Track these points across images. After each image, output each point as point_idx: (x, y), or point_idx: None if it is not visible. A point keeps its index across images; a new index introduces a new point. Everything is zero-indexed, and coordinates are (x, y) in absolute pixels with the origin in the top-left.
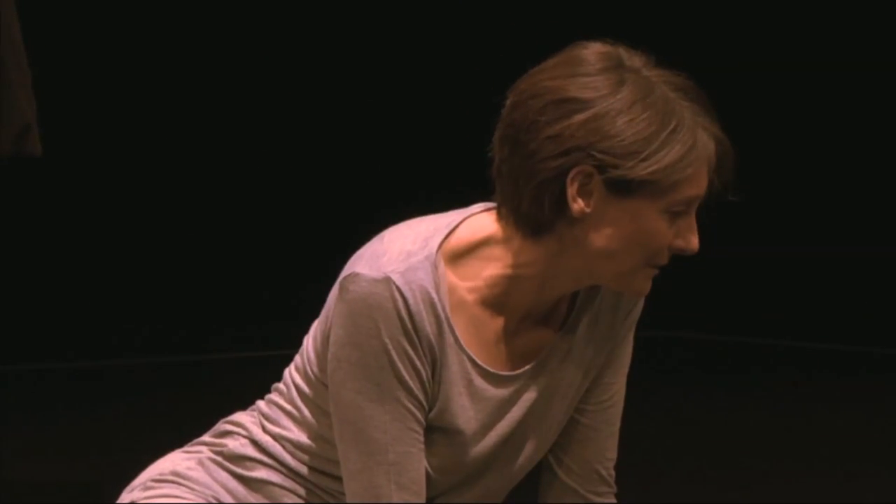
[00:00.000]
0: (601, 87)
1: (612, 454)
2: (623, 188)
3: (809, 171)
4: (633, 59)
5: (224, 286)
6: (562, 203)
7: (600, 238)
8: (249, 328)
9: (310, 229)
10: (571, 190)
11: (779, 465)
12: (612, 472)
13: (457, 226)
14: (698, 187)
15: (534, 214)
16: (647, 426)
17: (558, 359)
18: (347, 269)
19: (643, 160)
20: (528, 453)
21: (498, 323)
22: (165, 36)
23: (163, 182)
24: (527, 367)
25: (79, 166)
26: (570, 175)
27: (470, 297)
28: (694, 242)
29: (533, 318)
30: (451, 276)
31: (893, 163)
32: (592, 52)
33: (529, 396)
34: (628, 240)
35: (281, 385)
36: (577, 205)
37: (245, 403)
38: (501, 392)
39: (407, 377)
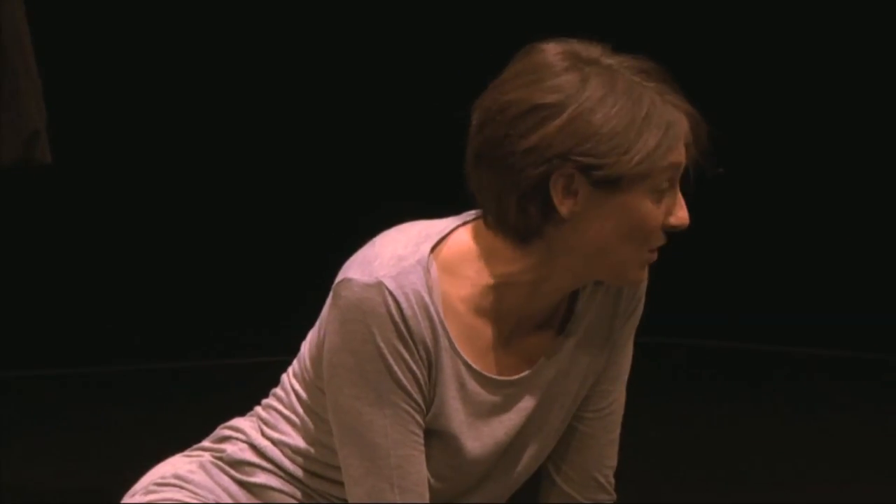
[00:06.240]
0: (566, 87)
1: (611, 462)
2: (610, 183)
3: (811, 180)
4: (590, 51)
5: (224, 292)
6: (549, 208)
7: (594, 234)
8: (249, 334)
9: (308, 235)
10: (556, 195)
11: (778, 471)
12: (612, 480)
13: (448, 233)
14: (678, 161)
15: (521, 224)
16: (645, 432)
17: (556, 365)
18: (340, 276)
19: (624, 153)
20: (527, 460)
21: (492, 329)
22: (172, 43)
23: (163, 189)
24: (523, 373)
25: (87, 173)
26: (552, 180)
27: (463, 305)
28: (683, 216)
29: (529, 324)
30: (443, 283)
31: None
32: (548, 53)
33: (526, 403)
34: (623, 231)
35: (279, 390)
36: (565, 207)
37: (245, 409)
38: (495, 397)
39: (404, 380)
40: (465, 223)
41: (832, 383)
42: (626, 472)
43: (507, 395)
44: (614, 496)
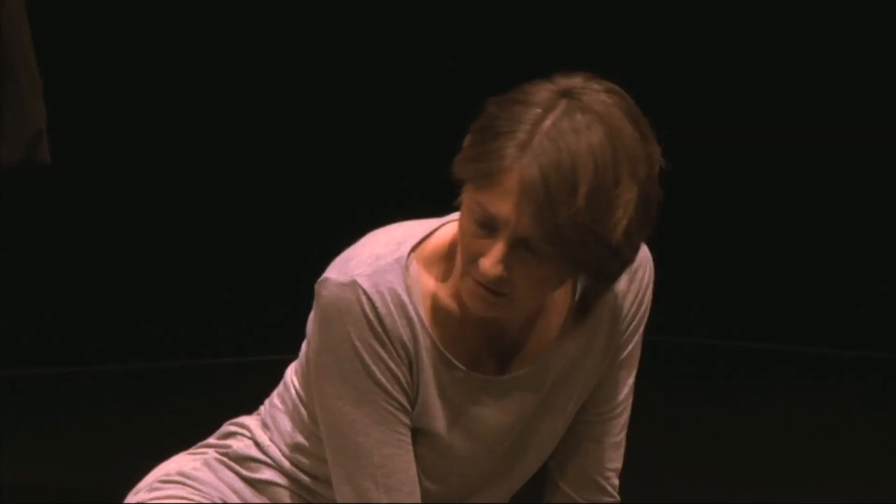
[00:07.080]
0: (526, 88)
1: (614, 464)
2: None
3: (811, 177)
4: (590, 91)
5: (226, 291)
6: None
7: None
8: (256, 332)
9: (311, 236)
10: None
11: (778, 471)
12: (615, 482)
13: (433, 231)
14: (497, 208)
15: None
16: (644, 432)
17: (556, 367)
18: (322, 275)
19: (467, 146)
20: (527, 461)
21: (480, 328)
22: (172, 43)
23: (161, 190)
24: (515, 373)
25: (87, 174)
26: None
27: (447, 304)
28: (483, 267)
29: (521, 325)
30: (427, 281)
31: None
32: (574, 78)
33: (522, 404)
34: (458, 233)
35: (281, 386)
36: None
37: (250, 407)
38: (483, 396)
39: (383, 379)
40: (450, 222)
41: (832, 383)
42: (626, 472)
43: (498, 395)
44: (617, 498)
